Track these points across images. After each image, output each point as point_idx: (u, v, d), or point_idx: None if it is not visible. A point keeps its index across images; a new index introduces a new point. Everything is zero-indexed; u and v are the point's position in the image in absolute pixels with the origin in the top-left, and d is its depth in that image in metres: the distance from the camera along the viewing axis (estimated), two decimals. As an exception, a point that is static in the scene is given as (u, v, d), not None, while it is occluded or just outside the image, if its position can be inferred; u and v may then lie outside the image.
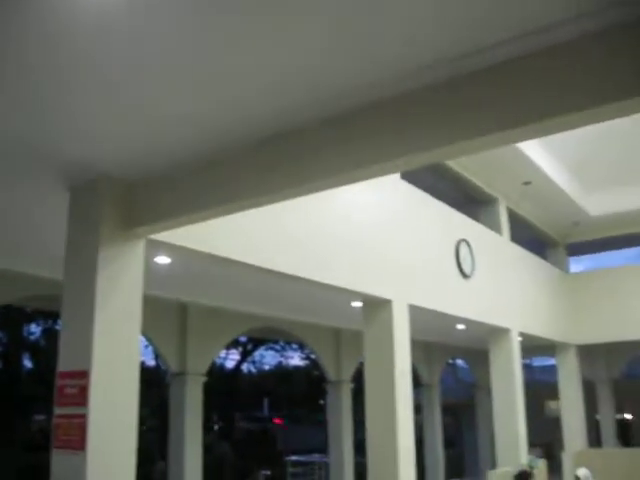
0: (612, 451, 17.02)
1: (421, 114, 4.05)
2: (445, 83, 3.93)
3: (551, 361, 16.38)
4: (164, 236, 5.55)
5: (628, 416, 24.93)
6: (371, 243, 8.24)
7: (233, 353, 29.51)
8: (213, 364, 15.05)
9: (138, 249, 5.40)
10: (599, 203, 14.17)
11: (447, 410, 21.59)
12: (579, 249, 17.09)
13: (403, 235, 8.94)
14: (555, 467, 13.54)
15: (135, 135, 4.65)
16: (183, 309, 11.85)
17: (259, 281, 8.07)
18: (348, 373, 15.57)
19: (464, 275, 10.32)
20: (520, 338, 12.30)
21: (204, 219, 5.25)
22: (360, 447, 9.58)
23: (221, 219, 5.50)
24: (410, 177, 9.35)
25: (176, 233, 5.55)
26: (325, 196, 7.09)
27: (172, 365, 11.88)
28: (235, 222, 5.96)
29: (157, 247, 5.83)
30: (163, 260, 7.15)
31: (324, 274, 7.32)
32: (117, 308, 5.14)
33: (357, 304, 8.92)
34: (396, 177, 8.99)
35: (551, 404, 24.10)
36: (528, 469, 11.02)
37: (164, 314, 11.54)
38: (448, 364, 23.21)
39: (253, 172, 4.76)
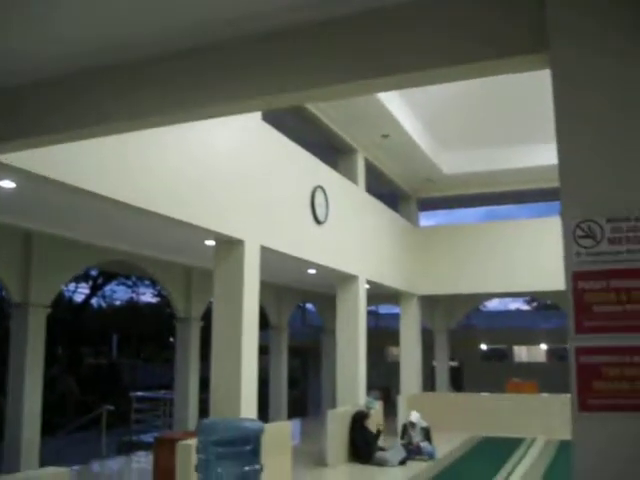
0: (443, 395, 18.20)
1: (285, 54, 4.06)
2: (314, 25, 3.93)
3: (396, 309, 17.12)
4: (9, 158, 5.26)
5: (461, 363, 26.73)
6: (228, 183, 8.20)
7: (83, 287, 28.74)
8: (60, 296, 14.61)
9: (-22, 170, 5.11)
10: (453, 162, 14.80)
11: (294, 352, 22.16)
12: (431, 204, 17.82)
13: (260, 177, 8.96)
14: (391, 409, 14.31)
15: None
16: (28, 237, 11.36)
17: (110, 213, 7.86)
18: (198, 311, 15.60)
19: (318, 221, 10.52)
20: (367, 285, 12.77)
21: (51, 143, 5.02)
22: (206, 384, 9.68)
23: (72, 146, 5.30)
24: (272, 119, 9.35)
25: (22, 156, 5.28)
26: (183, 131, 6.98)
27: (14, 295, 11.41)
28: (86, 149, 5.75)
29: (1, 170, 5.54)
30: (7, 184, 6.78)
31: (178, 210, 7.23)
32: (-49, 230, 4.87)
33: (210, 243, 8.90)
34: (257, 117, 8.95)
35: (392, 350, 25.35)
36: (365, 409, 11.61)
37: (7, 241, 11.02)
38: (298, 307, 23.74)
39: (107, 96, 4.60)
